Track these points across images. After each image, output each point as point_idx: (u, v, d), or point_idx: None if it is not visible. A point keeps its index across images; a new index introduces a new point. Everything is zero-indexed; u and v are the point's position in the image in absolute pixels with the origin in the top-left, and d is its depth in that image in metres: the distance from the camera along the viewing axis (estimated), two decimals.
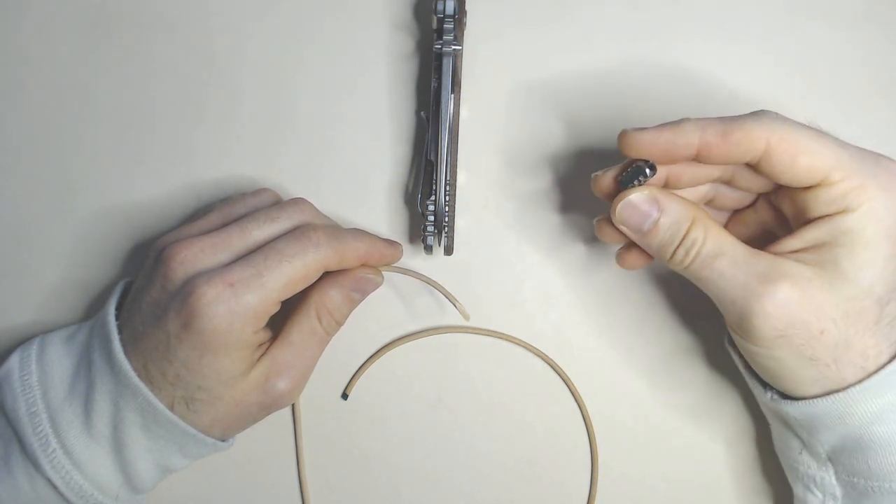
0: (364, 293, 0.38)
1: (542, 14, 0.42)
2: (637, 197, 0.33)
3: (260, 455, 0.41)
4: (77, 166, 0.42)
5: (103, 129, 0.42)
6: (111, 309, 0.36)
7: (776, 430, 0.37)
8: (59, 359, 0.36)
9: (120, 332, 0.35)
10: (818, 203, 0.31)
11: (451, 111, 0.38)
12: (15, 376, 0.35)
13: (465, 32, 0.41)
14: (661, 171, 0.33)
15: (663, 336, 0.41)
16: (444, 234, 0.39)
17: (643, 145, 0.32)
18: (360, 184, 0.42)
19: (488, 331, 0.41)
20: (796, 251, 0.32)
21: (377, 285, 0.38)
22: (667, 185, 0.34)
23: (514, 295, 0.42)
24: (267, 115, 0.42)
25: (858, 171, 0.30)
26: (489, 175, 0.42)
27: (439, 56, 0.38)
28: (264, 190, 0.38)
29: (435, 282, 0.40)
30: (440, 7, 0.37)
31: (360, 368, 0.42)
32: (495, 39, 0.42)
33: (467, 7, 0.40)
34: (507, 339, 0.41)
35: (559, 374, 0.41)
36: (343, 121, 0.42)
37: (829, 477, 0.34)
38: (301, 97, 0.42)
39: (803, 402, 0.32)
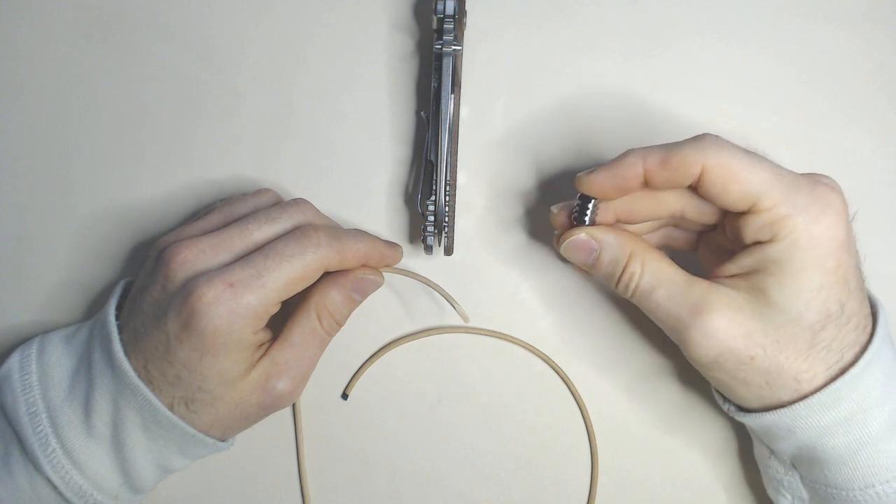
0: (365, 294, 0.38)
1: (541, 14, 0.42)
2: (577, 237, 0.35)
3: (260, 455, 0.41)
4: (77, 166, 0.42)
5: (103, 129, 0.42)
6: (111, 309, 0.36)
7: (752, 437, 0.38)
8: (59, 359, 0.36)
9: (120, 331, 0.35)
10: (750, 229, 0.32)
11: (451, 111, 0.38)
12: (15, 376, 0.35)
13: (465, 32, 0.41)
14: (615, 204, 0.35)
15: (663, 335, 0.41)
16: (444, 234, 0.39)
17: (596, 185, 0.34)
18: (360, 184, 0.42)
19: (488, 331, 0.41)
20: (733, 276, 0.33)
21: (378, 286, 0.38)
22: (620, 222, 0.36)
23: (514, 295, 0.42)
24: (267, 116, 0.42)
25: (789, 199, 0.31)
26: (489, 175, 0.42)
27: (439, 56, 0.38)
28: (265, 190, 0.39)
29: (435, 284, 0.40)
30: (440, 7, 0.37)
31: (360, 368, 0.42)
32: (495, 39, 0.42)
33: (467, 7, 0.40)
34: (507, 340, 0.41)
35: (559, 375, 0.41)
36: (343, 121, 0.42)
37: (795, 481, 0.35)
38: (301, 97, 0.42)
39: (753, 414, 0.34)
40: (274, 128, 0.42)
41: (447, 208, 0.38)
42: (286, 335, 0.36)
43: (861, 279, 0.33)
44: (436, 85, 0.38)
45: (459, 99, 0.41)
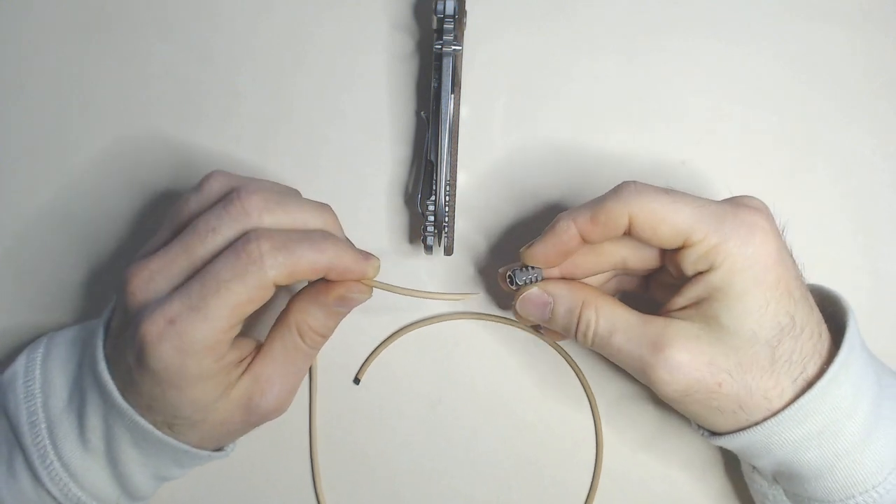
0: (350, 307, 0.35)
1: (541, 14, 0.42)
2: (530, 293, 0.36)
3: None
4: (77, 166, 0.42)
5: (103, 129, 0.42)
6: (101, 323, 0.35)
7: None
8: (62, 364, 0.35)
9: (106, 345, 0.34)
10: (689, 262, 0.32)
11: (451, 111, 0.38)
12: (19, 381, 0.35)
13: (465, 32, 0.41)
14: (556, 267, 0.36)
15: None
16: (444, 234, 0.39)
17: (540, 256, 0.35)
18: (360, 184, 0.42)
19: (499, 317, 0.41)
20: (684, 308, 0.33)
21: (363, 301, 0.35)
22: (564, 277, 0.36)
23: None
24: (267, 115, 0.42)
25: (716, 229, 0.32)
26: (489, 175, 0.42)
27: (439, 56, 0.38)
28: (210, 177, 0.34)
29: (420, 291, 0.37)
30: (440, 7, 0.37)
31: (372, 353, 0.41)
32: (495, 39, 0.42)
33: (467, 7, 0.40)
34: (517, 326, 0.41)
35: (569, 364, 0.41)
36: (343, 121, 0.42)
37: (779, 494, 0.36)
38: (301, 97, 0.42)
39: (725, 437, 0.34)
40: (274, 128, 0.42)
41: (447, 208, 0.38)
42: (268, 350, 0.34)
43: (804, 288, 0.33)
44: (436, 85, 0.38)
45: (459, 99, 0.41)
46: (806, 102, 0.42)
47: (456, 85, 0.39)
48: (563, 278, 0.36)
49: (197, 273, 0.31)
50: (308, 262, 0.31)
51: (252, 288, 0.30)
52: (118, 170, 0.42)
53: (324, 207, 0.34)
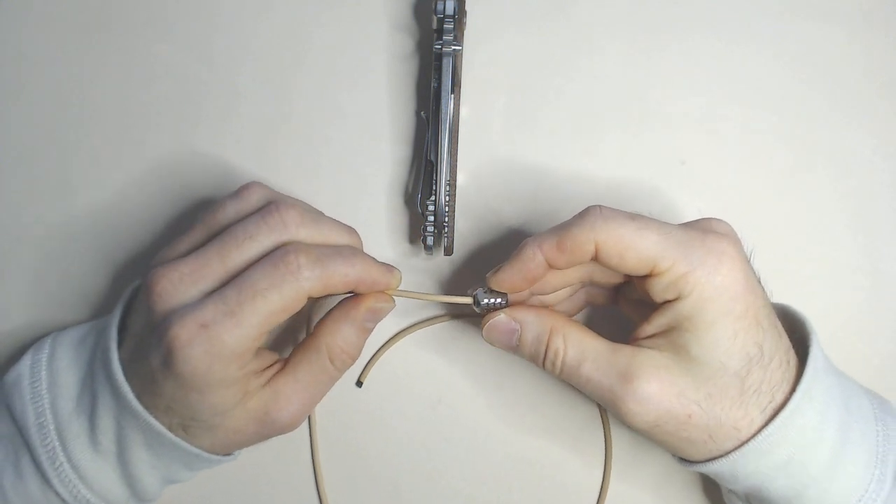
0: (377, 321, 0.36)
1: (541, 14, 0.42)
2: (497, 320, 0.35)
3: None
4: (77, 166, 0.42)
5: (103, 128, 0.42)
6: (114, 321, 0.35)
7: None
8: (68, 365, 0.35)
9: (121, 344, 0.34)
10: (657, 290, 0.32)
11: (451, 111, 0.38)
12: (25, 382, 0.35)
13: (465, 32, 0.41)
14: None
15: None
16: (444, 234, 0.39)
17: (507, 283, 0.34)
18: (360, 184, 0.42)
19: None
20: (652, 336, 0.33)
21: (388, 311, 0.36)
22: (535, 294, 0.36)
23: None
24: (267, 115, 0.42)
25: (684, 257, 0.31)
26: (489, 175, 0.42)
27: (439, 56, 0.38)
28: (250, 186, 0.35)
29: (440, 296, 0.38)
30: (440, 7, 0.37)
31: (373, 355, 0.41)
32: (495, 39, 0.42)
33: (467, 7, 0.40)
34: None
35: None
36: (343, 121, 0.42)
37: None
38: (301, 97, 0.42)
39: (696, 465, 0.34)
40: (274, 128, 0.42)
41: (447, 208, 0.38)
42: (293, 369, 0.35)
43: (773, 316, 0.33)
44: (436, 85, 0.38)
45: (459, 99, 0.41)
46: (806, 102, 0.42)
47: (456, 85, 0.39)
48: (531, 305, 0.36)
49: (232, 279, 0.32)
50: (341, 274, 0.32)
51: (287, 298, 0.31)
52: (118, 170, 0.42)
53: (351, 229, 0.36)
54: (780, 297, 0.39)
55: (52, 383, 0.35)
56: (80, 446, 0.34)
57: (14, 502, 0.34)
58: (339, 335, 0.35)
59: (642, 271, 0.32)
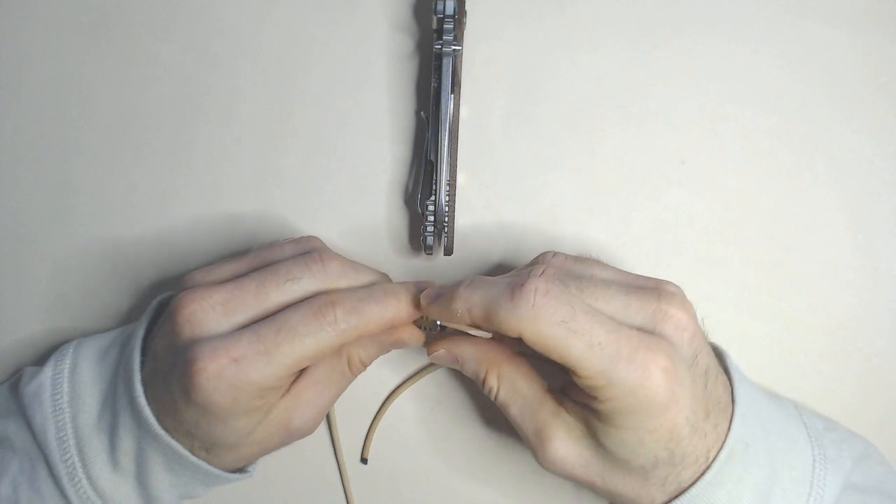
0: (402, 348, 0.36)
1: (541, 14, 0.42)
2: (437, 355, 0.36)
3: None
4: (77, 166, 0.42)
5: (103, 129, 0.42)
6: (137, 341, 0.34)
7: None
8: (91, 379, 0.35)
9: (143, 365, 0.33)
10: (577, 380, 0.31)
11: (451, 111, 0.38)
12: (46, 394, 0.34)
13: (465, 32, 0.41)
14: None
15: None
16: (444, 234, 0.39)
17: (434, 314, 0.34)
18: (360, 184, 0.42)
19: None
20: (575, 401, 0.34)
21: (416, 346, 0.36)
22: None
23: None
24: (267, 116, 0.42)
25: (605, 373, 0.30)
26: (489, 175, 0.42)
27: (439, 56, 0.38)
28: (309, 238, 0.36)
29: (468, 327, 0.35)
30: (440, 7, 0.37)
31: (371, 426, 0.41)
32: (495, 39, 0.42)
33: (467, 7, 0.40)
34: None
35: None
36: (343, 121, 0.42)
37: None
38: (301, 97, 0.42)
39: None
40: (274, 128, 0.42)
41: (447, 208, 0.38)
42: (311, 374, 0.35)
43: (698, 422, 0.32)
44: (436, 85, 0.38)
45: (459, 99, 0.41)
46: (806, 102, 0.42)
47: (456, 85, 0.39)
48: (472, 338, 0.35)
49: (268, 318, 0.32)
50: (376, 321, 0.33)
51: (323, 345, 0.32)
52: (118, 170, 0.42)
53: (384, 275, 0.36)
54: (779, 297, 0.40)
55: (74, 397, 0.34)
56: (99, 464, 0.33)
57: None
58: (362, 348, 0.35)
59: (564, 365, 0.31)
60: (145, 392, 0.33)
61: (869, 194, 0.41)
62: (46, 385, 0.35)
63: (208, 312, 0.31)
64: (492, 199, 0.42)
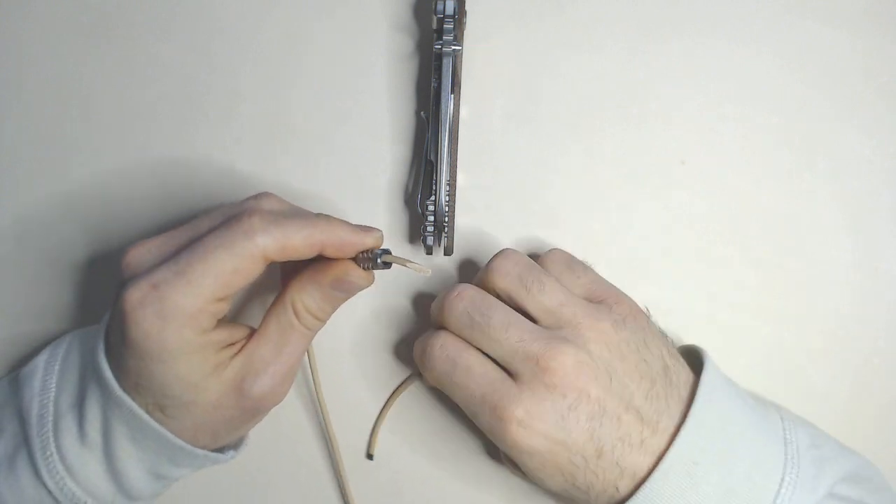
0: (348, 292, 0.34)
1: (541, 14, 0.42)
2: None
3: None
4: (77, 166, 0.42)
5: (103, 129, 0.42)
6: (107, 316, 0.34)
7: None
8: (77, 360, 0.35)
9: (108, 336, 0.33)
10: None
11: (451, 111, 0.38)
12: (38, 375, 0.35)
13: (465, 32, 0.41)
14: None
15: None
16: (444, 234, 0.39)
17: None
18: (360, 184, 0.42)
19: None
20: None
21: (362, 287, 0.34)
22: None
23: None
24: (267, 116, 0.42)
25: (477, 420, 0.35)
26: (489, 175, 0.42)
27: (439, 56, 0.38)
28: (264, 195, 0.34)
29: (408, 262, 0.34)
30: (440, 7, 0.37)
31: (375, 424, 0.41)
32: (495, 39, 0.42)
33: (467, 7, 0.40)
34: None
35: None
36: (343, 121, 0.42)
37: None
38: (301, 97, 0.42)
39: None
40: (274, 128, 0.42)
41: (447, 208, 0.38)
42: (262, 330, 0.33)
43: (596, 453, 0.33)
44: (436, 85, 0.38)
45: (459, 99, 0.41)
46: (806, 102, 0.42)
47: (456, 85, 0.39)
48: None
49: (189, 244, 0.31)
50: (301, 236, 0.31)
51: (239, 257, 0.30)
52: (118, 170, 0.42)
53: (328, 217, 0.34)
54: (779, 297, 0.40)
55: (62, 377, 0.34)
56: (69, 438, 0.33)
57: (6, 496, 0.34)
58: (305, 294, 0.33)
59: None
60: (106, 352, 0.32)
61: (869, 194, 0.41)
62: (40, 366, 0.35)
63: (144, 255, 0.32)
64: (492, 199, 0.42)
